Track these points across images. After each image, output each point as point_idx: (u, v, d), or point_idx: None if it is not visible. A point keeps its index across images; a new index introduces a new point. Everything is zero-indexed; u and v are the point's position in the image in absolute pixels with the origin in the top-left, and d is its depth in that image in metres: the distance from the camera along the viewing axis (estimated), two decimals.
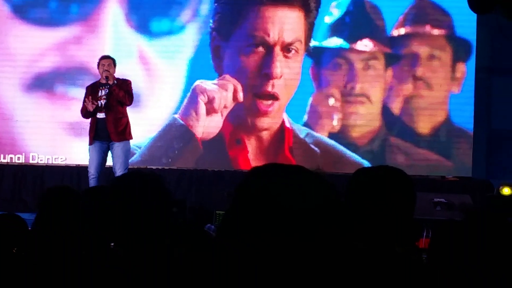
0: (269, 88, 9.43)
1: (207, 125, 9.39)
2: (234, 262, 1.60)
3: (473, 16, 9.25)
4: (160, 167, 9.25)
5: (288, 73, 9.45)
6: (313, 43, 9.55)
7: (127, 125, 7.83)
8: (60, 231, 3.21)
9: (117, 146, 7.75)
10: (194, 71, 9.48)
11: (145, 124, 9.21)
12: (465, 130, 9.63)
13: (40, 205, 3.50)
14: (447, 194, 7.79)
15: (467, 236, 1.85)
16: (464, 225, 1.89)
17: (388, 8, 9.61)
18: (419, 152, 9.64)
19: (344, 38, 9.60)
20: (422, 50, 9.65)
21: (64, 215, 3.34)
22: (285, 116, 9.50)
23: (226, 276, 1.60)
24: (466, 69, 9.65)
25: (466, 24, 9.54)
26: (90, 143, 7.80)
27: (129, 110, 7.90)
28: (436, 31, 9.69)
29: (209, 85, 9.40)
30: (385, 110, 9.63)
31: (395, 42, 9.65)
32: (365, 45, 9.60)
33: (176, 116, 9.41)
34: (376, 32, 9.61)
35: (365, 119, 9.61)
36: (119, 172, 7.59)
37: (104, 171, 7.82)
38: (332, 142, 9.56)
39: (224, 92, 9.38)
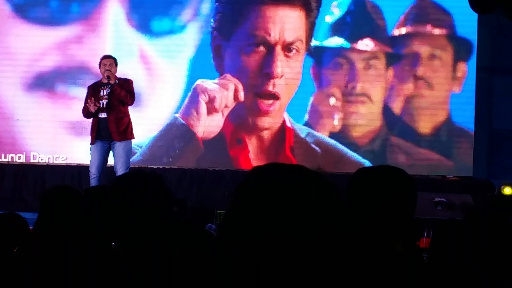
0: (270, 88, 9.43)
1: (208, 125, 9.39)
2: (235, 262, 1.60)
3: (474, 16, 9.25)
4: (161, 167, 9.25)
5: (289, 72, 9.45)
6: (314, 42, 9.55)
7: (128, 125, 7.83)
8: (61, 231, 3.21)
9: (119, 146, 7.76)
10: (195, 71, 9.47)
11: (146, 123, 9.21)
12: (466, 130, 9.63)
13: (42, 205, 3.50)
14: (448, 193, 7.79)
15: (468, 236, 1.85)
16: (465, 224, 1.89)
17: (389, 7, 9.61)
18: (420, 152, 9.64)
19: (345, 37, 9.60)
20: (423, 49, 9.65)
21: (65, 215, 3.34)
22: (286, 116, 9.50)
23: (227, 276, 1.60)
24: (467, 69, 9.65)
25: (467, 23, 9.54)
26: (92, 143, 7.80)
27: (130, 109, 7.90)
28: (437, 31, 9.69)
29: (210, 84, 9.40)
30: (386, 110, 9.62)
31: (396, 41, 9.65)
32: (366, 44, 9.60)
33: (177, 115, 9.41)
34: (377, 32, 9.61)
35: (366, 118, 9.61)
36: (120, 171, 7.59)
37: (106, 171, 7.83)
38: (333, 141, 9.56)
39: (225, 91, 9.38)
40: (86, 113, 7.81)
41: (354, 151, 9.55)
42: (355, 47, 9.59)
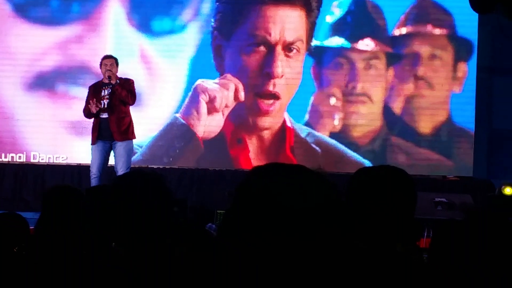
0: (270, 88, 9.43)
1: (208, 124, 9.39)
2: (235, 262, 1.60)
3: (475, 16, 9.25)
4: (161, 166, 9.25)
5: (289, 72, 9.45)
6: (314, 42, 9.55)
7: (130, 125, 7.83)
8: (61, 230, 3.21)
9: (120, 146, 7.75)
10: (196, 70, 9.48)
11: (146, 123, 9.21)
12: (466, 130, 9.63)
13: (42, 204, 3.50)
14: (448, 193, 7.78)
15: (468, 236, 1.85)
16: (465, 224, 1.89)
17: (390, 7, 9.61)
18: (420, 152, 9.63)
19: (345, 37, 9.60)
20: (424, 49, 9.65)
21: (66, 214, 3.34)
22: (286, 116, 9.50)
23: (227, 276, 1.60)
24: (468, 69, 9.65)
25: (468, 23, 9.54)
26: (93, 143, 7.80)
27: (130, 109, 7.90)
28: (437, 31, 9.69)
29: (210, 84, 9.40)
30: (386, 110, 9.62)
31: (396, 41, 9.65)
32: (366, 44, 9.59)
33: (177, 115, 9.41)
34: (378, 32, 9.61)
35: (366, 118, 9.61)
36: (121, 171, 7.59)
37: (106, 170, 7.83)
38: (333, 141, 9.55)
39: (225, 91, 9.38)
40: (87, 113, 7.80)
41: (355, 151, 9.55)
42: (356, 47, 9.59)
